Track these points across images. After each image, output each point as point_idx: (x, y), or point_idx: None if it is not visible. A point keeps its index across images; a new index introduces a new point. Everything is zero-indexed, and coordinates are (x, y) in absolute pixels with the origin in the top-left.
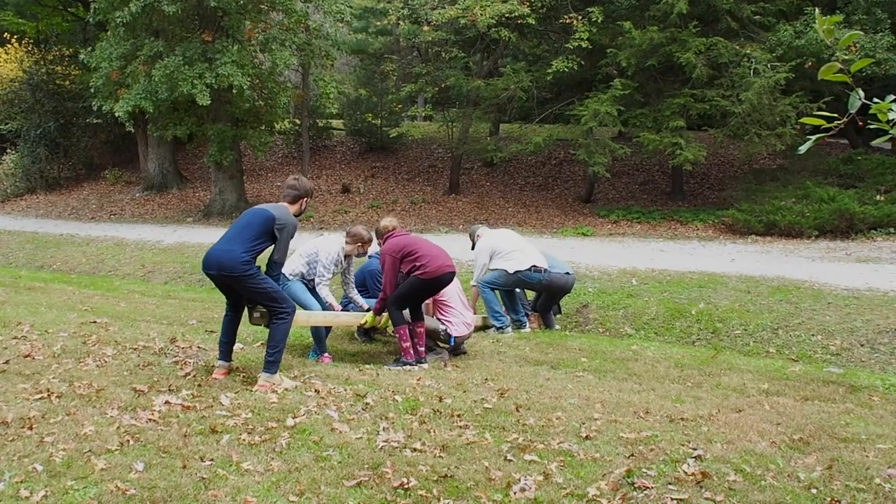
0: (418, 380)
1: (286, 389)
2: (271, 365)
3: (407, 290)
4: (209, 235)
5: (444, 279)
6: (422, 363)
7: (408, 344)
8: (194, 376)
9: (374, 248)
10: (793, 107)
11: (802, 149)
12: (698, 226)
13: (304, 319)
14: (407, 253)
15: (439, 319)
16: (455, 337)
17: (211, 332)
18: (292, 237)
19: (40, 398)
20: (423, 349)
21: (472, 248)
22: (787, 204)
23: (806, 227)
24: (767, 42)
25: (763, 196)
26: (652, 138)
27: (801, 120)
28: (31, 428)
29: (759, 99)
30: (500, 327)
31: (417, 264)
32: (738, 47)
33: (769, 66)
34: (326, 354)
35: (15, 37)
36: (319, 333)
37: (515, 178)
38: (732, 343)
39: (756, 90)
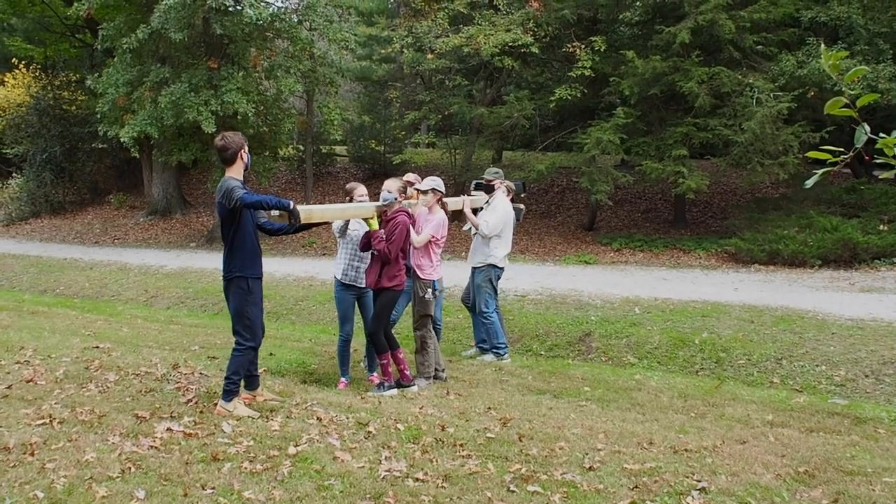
0: (420, 408)
1: (242, 417)
2: (227, 394)
3: (388, 309)
4: (212, 261)
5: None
6: (411, 386)
7: (391, 368)
8: (196, 403)
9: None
10: (795, 136)
11: (809, 183)
12: (701, 254)
13: (320, 214)
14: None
15: (429, 263)
16: (437, 281)
17: (213, 358)
18: (240, 194)
19: (42, 424)
20: (408, 373)
21: (485, 191)
22: (790, 233)
23: (809, 257)
24: (770, 72)
25: (766, 225)
26: (654, 167)
27: (808, 154)
28: (32, 454)
29: (762, 128)
30: (502, 355)
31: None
32: (740, 77)
33: (772, 95)
34: (344, 381)
35: (23, 62)
36: (370, 353)
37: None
38: (736, 373)
39: (759, 119)
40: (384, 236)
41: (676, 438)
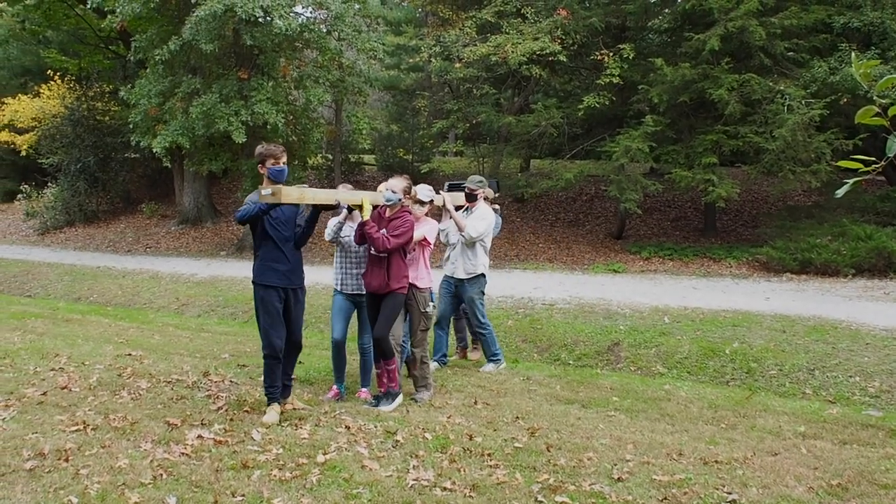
0: (448, 417)
1: (269, 424)
2: (267, 399)
3: (396, 312)
4: (242, 269)
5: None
6: (392, 401)
7: (397, 376)
8: (226, 410)
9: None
10: (828, 143)
11: (840, 192)
12: (731, 263)
13: (298, 195)
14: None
15: (425, 271)
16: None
17: (243, 366)
18: (254, 208)
19: (76, 430)
20: (394, 384)
21: (468, 199)
22: (822, 241)
23: (842, 266)
24: (801, 78)
25: (798, 233)
26: (684, 175)
27: (839, 163)
28: (67, 460)
29: (793, 135)
30: (501, 361)
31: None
32: (771, 84)
33: (803, 102)
34: (336, 389)
35: (58, 74)
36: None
37: (546, 214)
38: (767, 384)
39: (790, 127)
40: (386, 231)
41: (706, 450)
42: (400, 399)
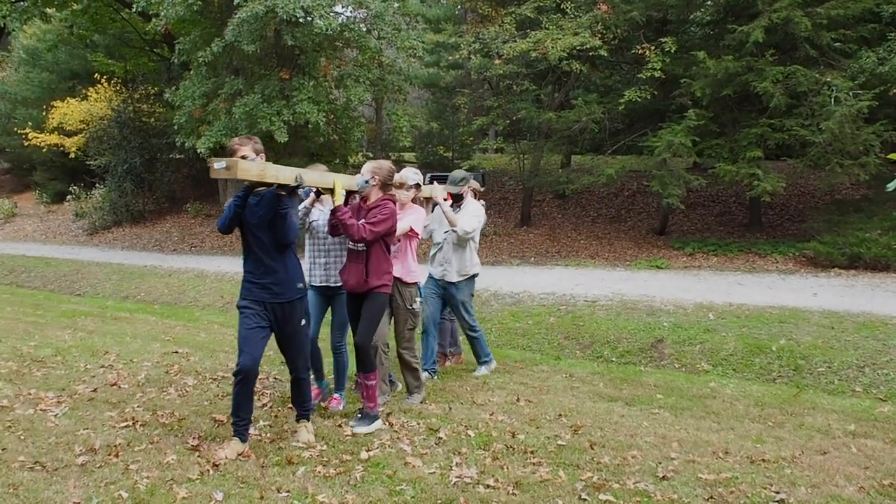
0: (491, 415)
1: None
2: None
3: (379, 315)
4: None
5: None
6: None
7: (377, 394)
8: (271, 407)
9: None
10: (877, 135)
11: (891, 186)
12: (778, 258)
13: (258, 171)
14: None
15: (413, 263)
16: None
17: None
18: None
19: (126, 426)
20: (373, 405)
21: (454, 199)
22: (872, 236)
23: (893, 261)
24: (849, 69)
25: (846, 227)
26: (728, 169)
27: (889, 156)
28: (117, 455)
29: (841, 128)
30: (490, 361)
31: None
32: (817, 75)
33: (851, 94)
34: (316, 388)
35: (105, 77)
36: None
37: (587, 209)
38: (816, 381)
39: (837, 119)
40: (362, 219)
41: (753, 448)
42: (378, 423)
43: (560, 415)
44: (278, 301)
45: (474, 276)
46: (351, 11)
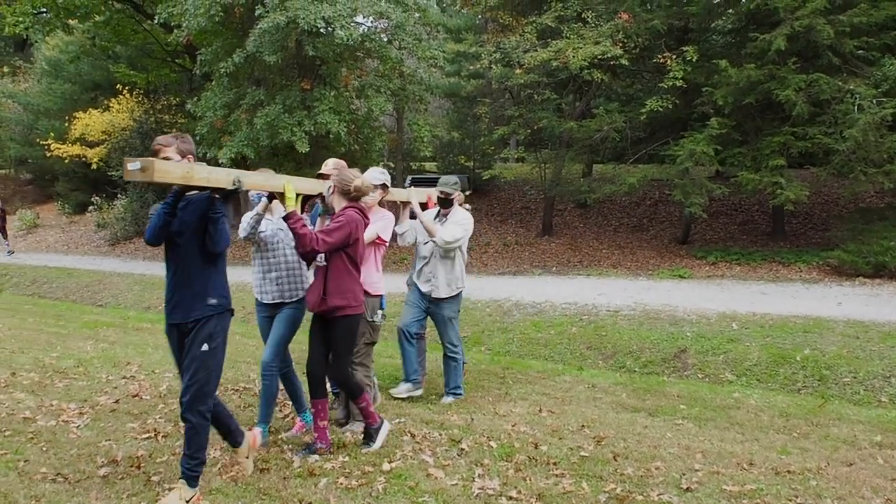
0: (513, 426)
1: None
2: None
3: (351, 342)
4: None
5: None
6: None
7: (372, 408)
8: (292, 418)
9: None
10: None
11: None
12: (801, 267)
13: (182, 173)
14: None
15: (377, 274)
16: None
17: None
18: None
19: (148, 437)
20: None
21: (442, 204)
22: None
23: None
24: (872, 77)
25: (871, 236)
26: (751, 178)
27: None
28: (139, 467)
29: (865, 136)
30: (458, 395)
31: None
32: (840, 83)
33: (874, 101)
34: (300, 421)
35: (127, 88)
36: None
37: (609, 219)
38: (841, 391)
39: (861, 127)
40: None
41: (778, 459)
42: (385, 430)
43: (583, 426)
44: (185, 320)
45: (461, 292)
46: (372, 22)
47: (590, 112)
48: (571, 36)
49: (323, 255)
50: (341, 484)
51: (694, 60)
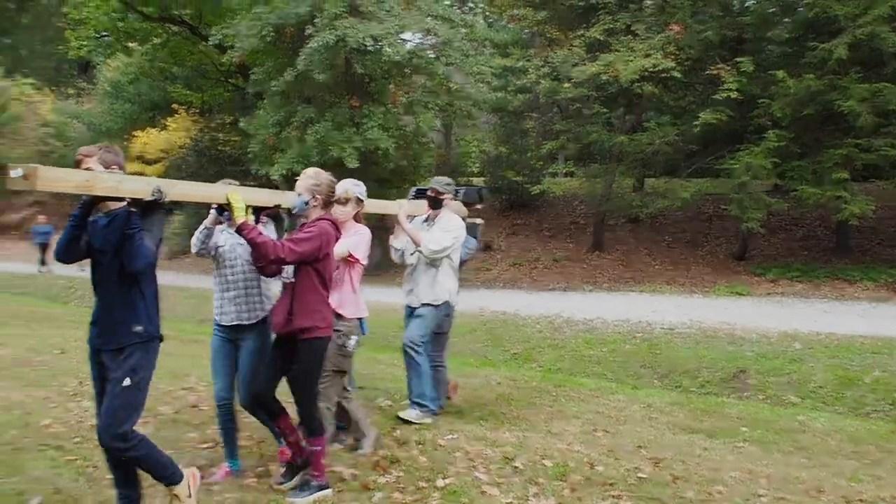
0: (567, 444)
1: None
2: None
3: (315, 371)
4: (375, 294)
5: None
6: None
7: (323, 460)
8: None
9: None
10: None
11: None
12: (868, 285)
13: (80, 181)
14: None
15: (351, 295)
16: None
17: (374, 388)
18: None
19: (207, 447)
20: (319, 474)
21: (432, 204)
22: None
23: None
24: None
25: None
26: (812, 192)
27: None
28: (201, 477)
29: None
30: (428, 409)
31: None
32: None
33: None
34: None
35: (183, 107)
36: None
37: (662, 234)
38: None
39: None
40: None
41: (849, 487)
42: (324, 495)
43: (639, 446)
44: (106, 348)
45: (445, 303)
46: (420, 38)
47: (641, 125)
48: (621, 49)
49: (291, 270)
50: (396, 499)
51: (749, 71)
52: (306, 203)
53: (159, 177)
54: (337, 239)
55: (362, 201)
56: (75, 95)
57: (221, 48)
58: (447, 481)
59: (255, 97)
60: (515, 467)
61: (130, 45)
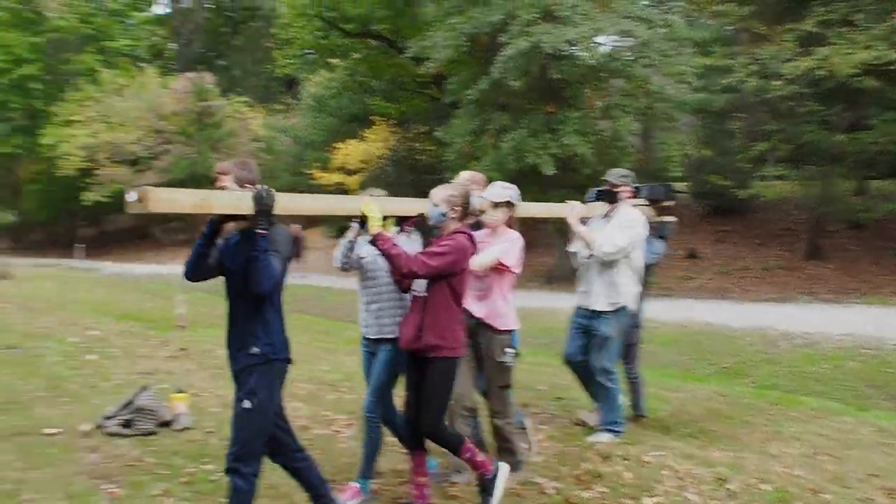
0: (786, 468)
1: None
2: None
3: (445, 391)
4: (551, 300)
5: None
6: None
7: (481, 458)
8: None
9: None
10: None
11: None
12: None
13: (195, 202)
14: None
15: (504, 305)
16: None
17: (559, 398)
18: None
19: (407, 452)
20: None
21: (607, 199)
22: None
23: None
24: None
25: None
26: None
27: None
28: (402, 482)
29: None
30: (617, 433)
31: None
32: None
33: None
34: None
35: (381, 118)
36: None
37: (890, 241)
38: None
39: None
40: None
41: None
42: (503, 476)
43: (871, 474)
44: (232, 368)
45: (623, 308)
46: (616, 41)
47: (862, 123)
48: (838, 41)
49: (423, 283)
50: None
51: None
52: (443, 214)
53: (359, 185)
54: (473, 254)
55: (514, 205)
56: (283, 111)
57: (417, 60)
58: (655, 500)
59: (450, 106)
60: (729, 490)
61: (332, 60)
